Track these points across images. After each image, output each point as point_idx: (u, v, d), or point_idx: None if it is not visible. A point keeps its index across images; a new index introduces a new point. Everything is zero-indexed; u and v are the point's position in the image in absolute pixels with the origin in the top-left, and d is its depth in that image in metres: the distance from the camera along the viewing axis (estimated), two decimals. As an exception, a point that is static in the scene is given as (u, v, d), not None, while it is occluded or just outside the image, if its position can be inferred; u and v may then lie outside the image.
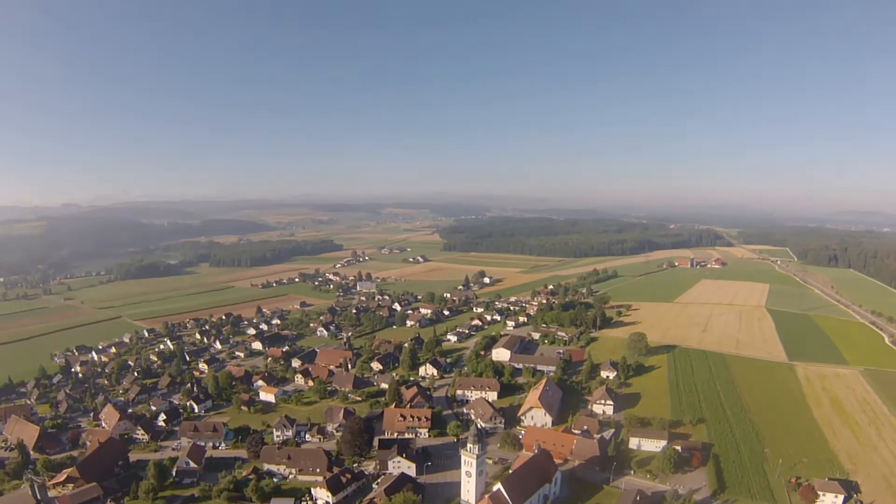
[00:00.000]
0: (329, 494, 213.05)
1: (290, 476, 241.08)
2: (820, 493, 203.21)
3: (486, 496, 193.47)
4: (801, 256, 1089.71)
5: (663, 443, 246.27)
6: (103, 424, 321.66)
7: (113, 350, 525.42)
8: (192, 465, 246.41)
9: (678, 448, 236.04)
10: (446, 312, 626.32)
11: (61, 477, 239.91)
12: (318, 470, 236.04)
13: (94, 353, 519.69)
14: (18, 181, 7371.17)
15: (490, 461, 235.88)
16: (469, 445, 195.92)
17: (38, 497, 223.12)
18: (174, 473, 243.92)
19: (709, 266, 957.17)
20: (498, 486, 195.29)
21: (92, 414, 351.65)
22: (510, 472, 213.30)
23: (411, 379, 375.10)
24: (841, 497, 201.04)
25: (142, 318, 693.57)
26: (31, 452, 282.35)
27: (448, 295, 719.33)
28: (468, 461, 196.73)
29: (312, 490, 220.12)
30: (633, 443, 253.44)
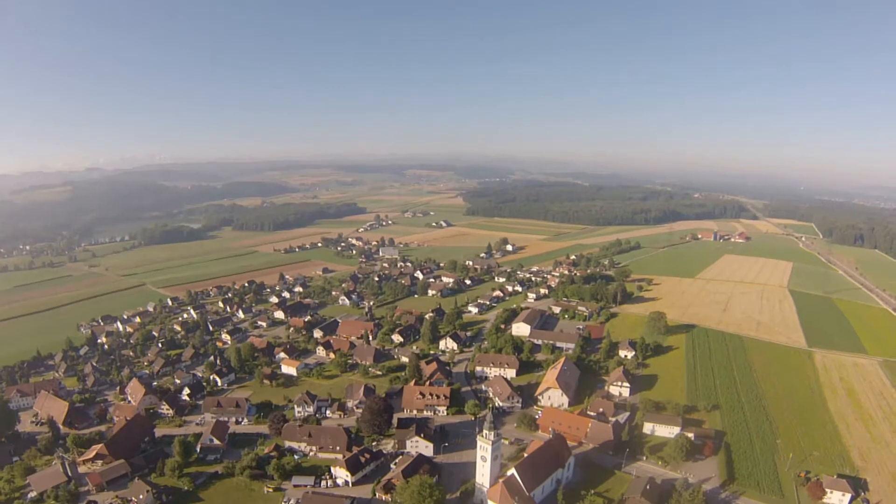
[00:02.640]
0: (348, 474, 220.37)
1: (311, 453, 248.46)
2: (828, 490, 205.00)
3: (501, 480, 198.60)
4: (826, 234, 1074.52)
5: (677, 429, 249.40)
6: (129, 399, 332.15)
7: (137, 320, 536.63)
8: (216, 441, 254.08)
9: (691, 436, 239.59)
10: (468, 282, 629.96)
11: (90, 454, 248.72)
12: (337, 448, 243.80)
13: (119, 323, 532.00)
14: (43, 145, 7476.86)
15: (506, 441, 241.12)
16: (485, 431, 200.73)
17: (69, 474, 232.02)
18: (198, 450, 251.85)
19: (732, 240, 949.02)
20: (512, 470, 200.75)
21: (118, 388, 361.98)
22: (525, 455, 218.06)
23: (431, 353, 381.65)
24: (848, 496, 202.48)
25: (165, 285, 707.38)
26: (61, 427, 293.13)
27: (470, 263, 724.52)
28: (483, 446, 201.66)
29: (332, 468, 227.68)
30: (648, 428, 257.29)
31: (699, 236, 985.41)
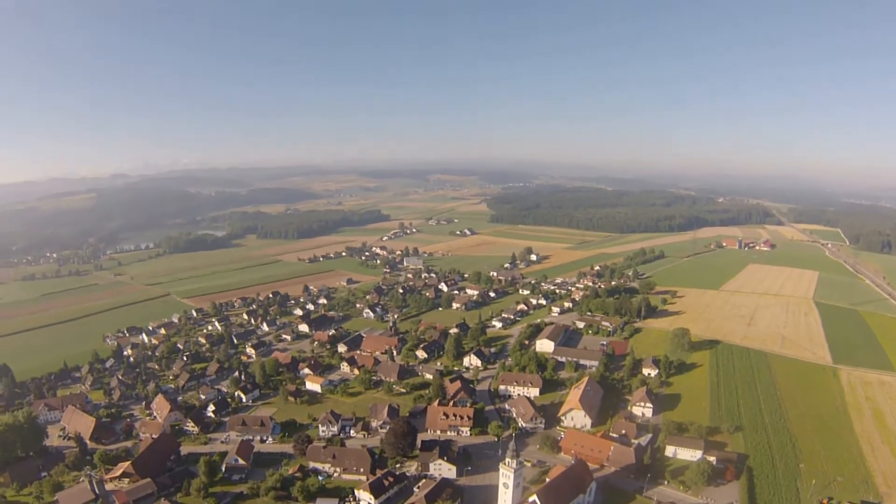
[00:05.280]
0: (371, 497, 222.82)
1: (335, 474, 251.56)
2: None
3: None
4: (853, 240, 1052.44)
5: (699, 452, 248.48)
6: (155, 415, 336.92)
7: (162, 331, 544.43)
8: (241, 461, 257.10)
9: (713, 460, 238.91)
10: (492, 294, 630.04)
11: (117, 471, 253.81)
12: (361, 470, 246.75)
13: (144, 334, 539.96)
14: (67, 151, 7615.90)
15: (528, 464, 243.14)
16: (507, 459, 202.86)
17: (97, 492, 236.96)
18: (224, 470, 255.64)
19: (757, 248, 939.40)
20: (533, 497, 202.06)
21: (144, 402, 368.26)
22: (547, 481, 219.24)
23: (455, 370, 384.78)
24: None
25: (190, 295, 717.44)
26: (88, 443, 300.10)
27: (494, 274, 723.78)
28: (506, 474, 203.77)
29: (356, 491, 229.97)
30: (670, 451, 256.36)
31: (723, 244, 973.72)
